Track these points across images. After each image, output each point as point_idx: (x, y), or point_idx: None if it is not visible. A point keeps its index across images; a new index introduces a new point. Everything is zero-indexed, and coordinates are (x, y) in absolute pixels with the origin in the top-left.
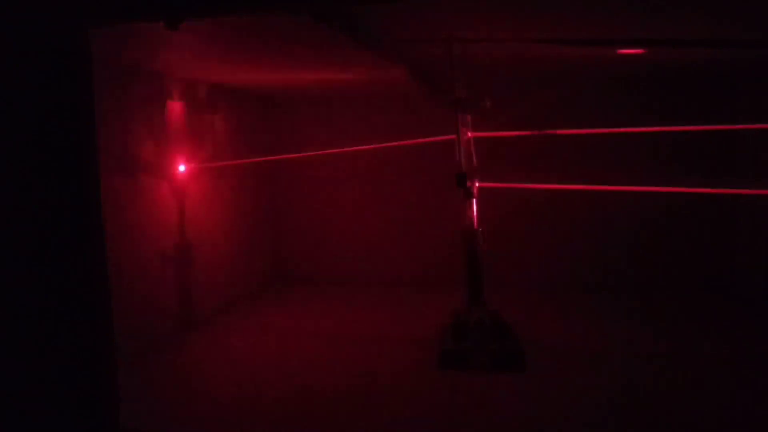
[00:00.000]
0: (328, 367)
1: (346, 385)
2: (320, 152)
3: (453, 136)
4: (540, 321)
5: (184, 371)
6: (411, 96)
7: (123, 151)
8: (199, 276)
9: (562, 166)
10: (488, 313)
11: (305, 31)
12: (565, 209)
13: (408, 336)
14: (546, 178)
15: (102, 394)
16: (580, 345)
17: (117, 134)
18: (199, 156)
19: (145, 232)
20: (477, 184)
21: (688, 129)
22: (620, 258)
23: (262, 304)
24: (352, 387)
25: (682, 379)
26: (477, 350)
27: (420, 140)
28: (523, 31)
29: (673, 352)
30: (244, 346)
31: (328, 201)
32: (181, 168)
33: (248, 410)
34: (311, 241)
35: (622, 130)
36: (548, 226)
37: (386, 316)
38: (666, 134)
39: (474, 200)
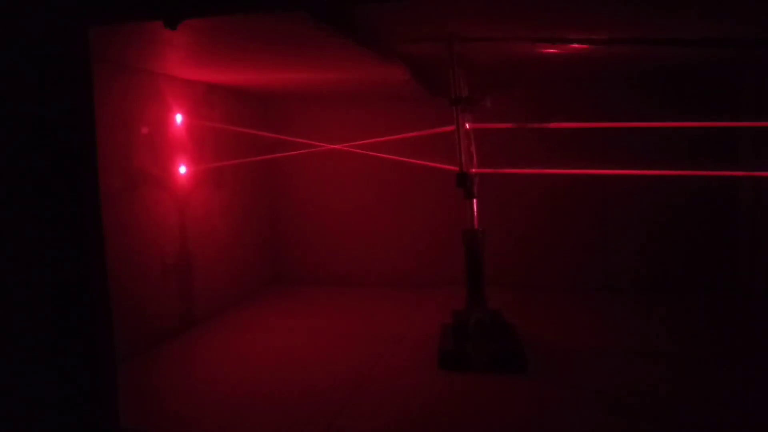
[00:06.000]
0: (328, 367)
1: (346, 385)
2: (318, 149)
3: (452, 127)
4: (540, 321)
5: (184, 371)
6: (411, 96)
7: (122, 151)
8: (199, 277)
9: (564, 162)
10: (488, 313)
11: (305, 31)
12: (566, 209)
13: (408, 336)
14: (547, 174)
15: (102, 394)
16: (580, 345)
17: (116, 135)
18: (198, 157)
19: (144, 234)
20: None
21: (690, 125)
22: (621, 258)
23: (262, 305)
24: (352, 387)
25: (684, 378)
26: (477, 351)
27: (419, 133)
28: (524, 29)
29: (675, 351)
30: (244, 347)
31: (328, 201)
32: (182, 170)
33: (249, 410)
34: (311, 241)
35: (622, 125)
36: (549, 226)
37: (386, 316)
38: (669, 133)
39: (474, 200)
